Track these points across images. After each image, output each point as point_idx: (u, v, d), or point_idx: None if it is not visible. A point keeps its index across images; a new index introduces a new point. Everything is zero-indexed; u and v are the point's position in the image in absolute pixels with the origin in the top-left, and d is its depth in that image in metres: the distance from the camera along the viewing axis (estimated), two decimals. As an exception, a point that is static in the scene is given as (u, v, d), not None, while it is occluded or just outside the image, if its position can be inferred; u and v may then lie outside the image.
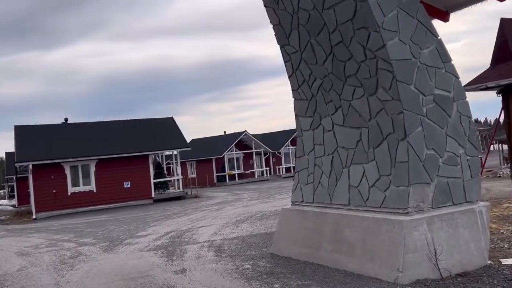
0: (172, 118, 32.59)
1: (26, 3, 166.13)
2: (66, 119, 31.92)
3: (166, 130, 31.30)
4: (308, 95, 8.25)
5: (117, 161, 28.25)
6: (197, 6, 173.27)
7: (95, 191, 27.78)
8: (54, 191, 26.59)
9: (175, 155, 32.03)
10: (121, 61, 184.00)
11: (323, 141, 7.97)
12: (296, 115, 8.75)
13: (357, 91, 7.07)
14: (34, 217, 25.85)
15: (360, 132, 7.10)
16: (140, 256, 10.24)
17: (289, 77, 8.54)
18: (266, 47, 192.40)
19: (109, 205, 27.63)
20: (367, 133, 7.03)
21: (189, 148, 30.59)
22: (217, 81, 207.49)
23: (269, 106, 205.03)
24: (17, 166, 30.18)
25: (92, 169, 27.94)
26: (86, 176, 27.99)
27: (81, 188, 27.62)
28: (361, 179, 7.08)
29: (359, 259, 6.65)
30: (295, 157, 8.73)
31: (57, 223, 21.60)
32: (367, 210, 6.94)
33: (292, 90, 8.68)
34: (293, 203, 8.79)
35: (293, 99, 8.75)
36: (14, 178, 40.22)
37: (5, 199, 49.54)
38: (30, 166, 26.55)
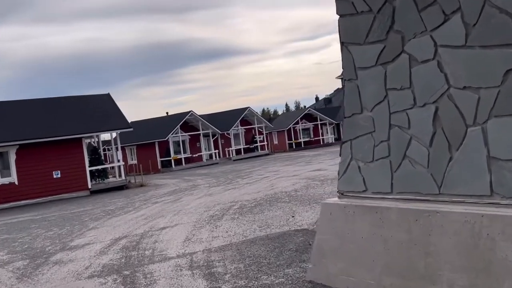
0: (108, 94, 27.87)
1: None
2: (-23, 99, 26.31)
3: (102, 108, 26.59)
4: (375, 2, 4.69)
5: (43, 147, 23.35)
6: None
7: (16, 183, 22.82)
8: (-37, 185, 21.44)
9: (114, 138, 27.45)
10: (48, 44, 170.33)
11: (409, 81, 4.44)
12: (343, 44, 5.14)
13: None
14: None
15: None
16: (78, 289, 6.32)
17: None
18: (200, 29, 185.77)
19: (35, 200, 22.82)
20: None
21: (131, 129, 26.15)
22: (151, 65, 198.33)
23: (207, 90, 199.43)
24: None
25: (12, 157, 22.90)
26: (5, 166, 22.95)
27: (-1, 180, 22.58)
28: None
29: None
30: (344, 117, 5.12)
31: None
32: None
33: (339, -3, 5.08)
34: (343, 194, 5.22)
35: (338, 16, 5.14)
36: None
37: None
38: None
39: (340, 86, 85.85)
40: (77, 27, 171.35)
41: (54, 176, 23.65)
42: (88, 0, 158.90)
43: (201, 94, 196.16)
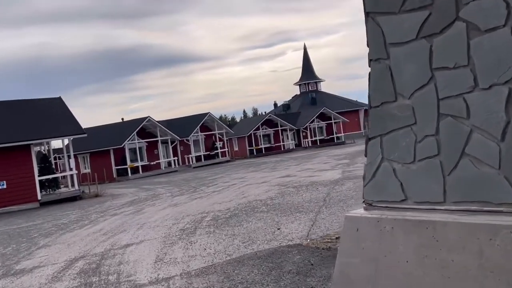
0: (60, 98, 25.85)
1: None
2: None
3: (54, 113, 24.57)
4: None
5: (-14, 155, 21.16)
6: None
7: (-45, 196, 20.52)
8: None
9: (67, 145, 25.43)
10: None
11: (467, 57, 3.42)
12: (368, 15, 4.09)
13: None
14: None
15: None
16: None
17: None
18: (154, 35, 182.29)
19: (-23, 214, 20.57)
20: None
21: (85, 135, 24.27)
22: (104, 71, 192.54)
23: (162, 97, 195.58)
24: None
25: (-50, 167, 20.60)
26: None
27: None
28: None
29: None
30: (370, 107, 4.04)
31: None
32: None
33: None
34: (371, 205, 4.12)
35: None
36: None
37: None
38: None
39: (298, 93, 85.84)
40: (27, 32, 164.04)
41: (-1, 187, 21.48)
42: (39, 5, 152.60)
43: (156, 101, 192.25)
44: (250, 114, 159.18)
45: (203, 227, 9.84)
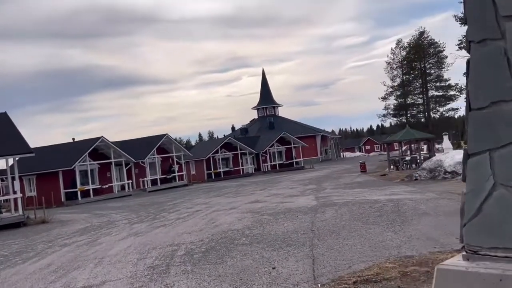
0: (5, 114, 23.47)
1: None
2: None
3: (-3, 130, 22.19)
4: None
5: None
6: (29, 11, 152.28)
7: None
8: None
9: (11, 166, 22.96)
10: None
11: None
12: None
13: None
14: None
15: None
16: None
17: None
18: (106, 57, 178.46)
19: None
20: None
21: (33, 154, 21.97)
22: (53, 91, 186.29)
23: (113, 119, 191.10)
24: None
25: None
26: None
27: None
28: None
29: None
30: (469, 109, 2.76)
31: None
32: None
33: None
34: (476, 253, 2.80)
35: None
36: None
37: None
38: None
39: (256, 117, 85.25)
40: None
41: None
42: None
43: (107, 123, 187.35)
44: (205, 137, 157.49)
45: (177, 264, 8.25)
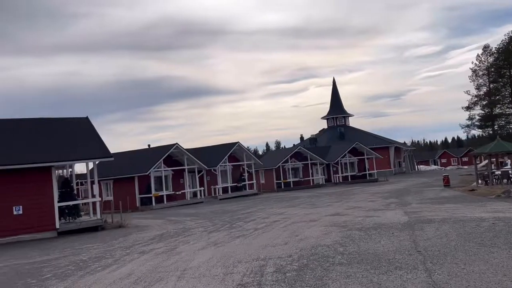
0: (87, 118, 23.96)
1: None
2: None
3: (79, 134, 22.64)
4: None
5: (3, 176, 19.13)
6: (106, 24, 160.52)
7: (-35, 220, 18.40)
8: None
9: (91, 169, 23.35)
10: (25, 77, 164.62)
11: None
12: None
13: None
14: None
15: None
16: None
17: None
18: (178, 68, 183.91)
19: (-12, 241, 18.41)
20: None
21: (112, 158, 22.14)
22: (128, 101, 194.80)
23: (183, 128, 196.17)
24: None
25: (-37, 188, 18.58)
26: (-48, 198, 18.55)
27: None
28: None
29: None
30: None
31: None
32: None
33: None
34: None
35: None
36: None
37: None
38: None
39: (326, 127, 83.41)
40: (54, 61, 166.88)
41: (15, 213, 19.32)
42: (66, 35, 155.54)
43: (177, 132, 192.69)
44: (272, 147, 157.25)
45: (270, 283, 7.31)
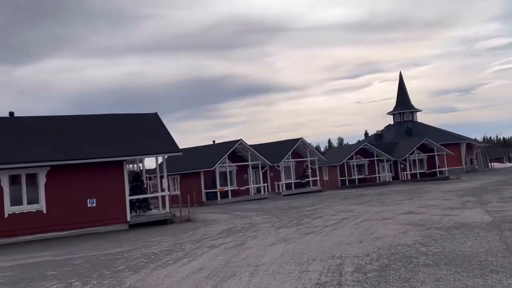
0: (156, 114, 24.45)
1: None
2: (11, 113, 23.33)
3: (149, 129, 23.14)
4: None
5: (77, 170, 19.89)
6: (169, 25, 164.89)
7: (44, 212, 19.28)
8: (-17, 211, 18.05)
9: (160, 164, 23.82)
10: (94, 77, 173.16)
11: None
12: None
13: None
14: (-51, 250, 17.19)
15: None
16: None
17: None
18: (239, 66, 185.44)
19: (65, 233, 19.23)
20: None
21: (180, 153, 22.43)
22: (190, 99, 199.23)
23: (244, 125, 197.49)
24: None
25: (42, 181, 19.47)
26: (33, 190, 19.47)
27: (25, 207, 19.08)
28: None
29: None
30: None
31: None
32: None
33: None
34: None
35: None
36: None
37: None
38: None
39: (392, 122, 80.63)
40: (121, 62, 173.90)
41: (89, 205, 20.05)
42: (131, 36, 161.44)
43: (239, 129, 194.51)
44: (335, 143, 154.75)
45: (351, 283, 6.85)
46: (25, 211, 18.99)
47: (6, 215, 18.60)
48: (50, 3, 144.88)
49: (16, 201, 18.98)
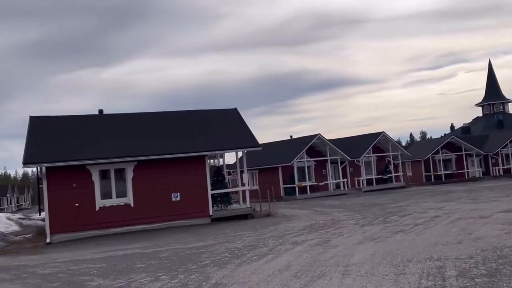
0: (235, 109, 24.54)
1: (82, 23, 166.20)
2: (100, 111, 24.53)
3: (229, 125, 23.27)
4: None
5: (163, 164, 20.41)
6: (245, 23, 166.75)
7: (132, 205, 20.02)
8: (77, 204, 19.05)
9: (240, 158, 23.89)
10: (175, 77, 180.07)
11: None
12: None
13: None
14: (48, 240, 18.36)
15: None
16: None
17: None
18: (314, 61, 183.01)
19: (151, 226, 19.81)
20: None
21: (260, 148, 22.31)
22: (267, 95, 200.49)
23: (320, 120, 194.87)
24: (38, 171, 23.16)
25: (130, 175, 20.21)
26: (121, 184, 20.29)
27: (114, 201, 19.92)
28: None
29: None
30: None
31: (62, 256, 13.80)
32: None
33: None
34: None
35: None
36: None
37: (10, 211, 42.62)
38: (44, 170, 19.20)
39: (481, 114, 75.44)
40: (201, 60, 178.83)
41: (173, 199, 20.52)
42: (211, 35, 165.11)
43: (315, 124, 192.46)
44: (417, 137, 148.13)
45: (457, 288, 6.17)
46: (114, 205, 19.80)
47: (97, 208, 19.51)
48: (137, 6, 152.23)
49: (106, 194, 19.86)
